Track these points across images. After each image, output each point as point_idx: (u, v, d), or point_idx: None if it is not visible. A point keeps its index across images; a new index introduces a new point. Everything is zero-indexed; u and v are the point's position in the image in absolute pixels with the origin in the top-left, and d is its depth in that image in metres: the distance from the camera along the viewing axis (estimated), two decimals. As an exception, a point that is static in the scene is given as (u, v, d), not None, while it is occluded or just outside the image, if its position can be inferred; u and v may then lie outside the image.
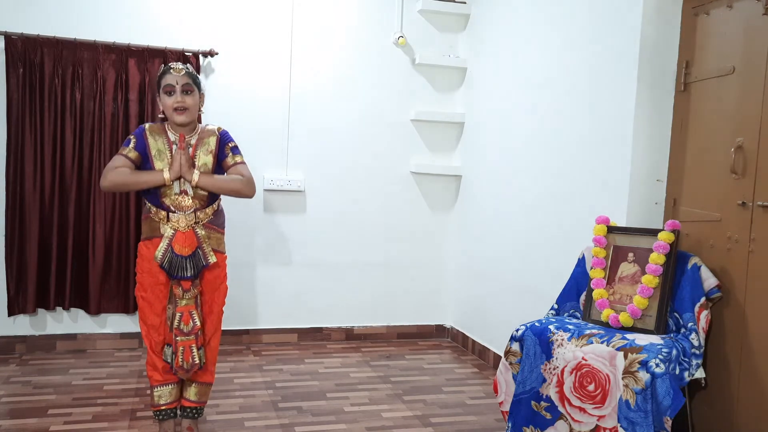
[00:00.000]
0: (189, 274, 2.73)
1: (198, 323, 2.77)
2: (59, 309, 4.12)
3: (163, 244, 2.72)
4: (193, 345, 2.76)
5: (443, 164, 4.72)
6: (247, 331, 4.46)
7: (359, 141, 4.58)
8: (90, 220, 4.02)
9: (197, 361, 2.77)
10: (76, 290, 4.08)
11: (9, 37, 3.85)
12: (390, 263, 4.71)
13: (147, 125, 2.83)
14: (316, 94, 4.46)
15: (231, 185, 2.79)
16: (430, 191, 4.75)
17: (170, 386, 2.87)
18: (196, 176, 2.73)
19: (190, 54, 4.15)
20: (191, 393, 2.91)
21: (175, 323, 2.75)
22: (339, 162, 4.55)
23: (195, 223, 2.76)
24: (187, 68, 2.79)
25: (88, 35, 3.98)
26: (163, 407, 2.87)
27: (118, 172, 2.71)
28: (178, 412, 2.94)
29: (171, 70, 2.75)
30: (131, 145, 2.78)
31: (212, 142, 2.84)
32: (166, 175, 2.70)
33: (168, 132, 2.81)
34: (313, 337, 4.59)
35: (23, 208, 3.93)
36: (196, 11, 4.22)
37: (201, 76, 4.18)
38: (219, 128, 2.90)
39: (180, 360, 2.75)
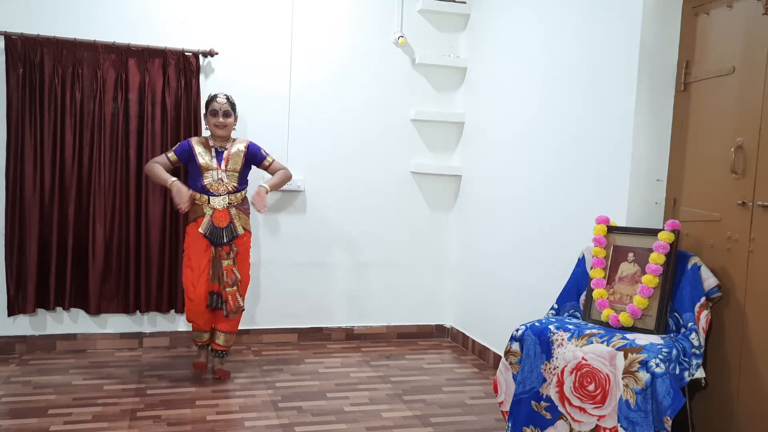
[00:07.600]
0: (225, 240, 3.66)
1: (238, 276, 3.70)
2: (59, 309, 4.12)
3: (206, 220, 3.66)
4: (237, 293, 3.68)
5: (443, 164, 4.72)
6: (247, 331, 4.46)
7: (359, 141, 4.58)
8: (90, 220, 4.03)
9: (241, 305, 3.71)
10: (76, 290, 4.09)
11: (9, 37, 3.85)
12: (390, 263, 4.71)
13: (193, 138, 3.77)
14: (315, 94, 4.47)
15: (284, 177, 3.85)
16: (430, 191, 4.75)
17: (205, 333, 3.79)
18: (266, 196, 3.74)
19: (190, 54, 4.15)
20: (220, 339, 3.78)
21: (223, 279, 3.65)
22: (339, 162, 4.55)
23: (228, 204, 3.68)
24: (228, 98, 3.71)
25: (88, 35, 3.98)
26: (199, 344, 3.83)
27: (152, 164, 3.71)
28: (210, 348, 3.83)
29: (216, 99, 3.70)
30: (174, 149, 3.74)
31: (241, 149, 3.75)
32: (173, 185, 3.63)
33: (209, 141, 3.74)
34: (313, 337, 4.59)
35: (23, 208, 3.93)
36: (196, 11, 4.23)
37: (201, 76, 4.19)
38: (248, 141, 3.82)
39: (231, 305, 3.66)
